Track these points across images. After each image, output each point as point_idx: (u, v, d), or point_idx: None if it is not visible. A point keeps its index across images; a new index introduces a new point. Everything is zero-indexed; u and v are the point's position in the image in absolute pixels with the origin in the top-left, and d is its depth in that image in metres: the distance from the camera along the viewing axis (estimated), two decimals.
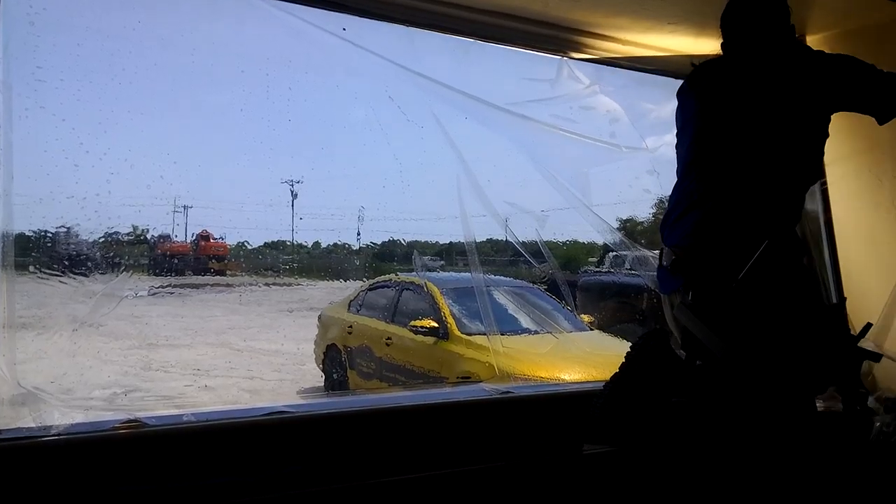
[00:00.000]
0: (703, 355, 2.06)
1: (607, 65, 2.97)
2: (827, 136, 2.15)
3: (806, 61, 2.11)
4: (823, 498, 2.12)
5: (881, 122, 2.16)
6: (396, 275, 6.24)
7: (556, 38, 2.78)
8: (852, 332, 2.06)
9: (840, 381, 2.06)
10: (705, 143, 2.14)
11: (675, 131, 2.32)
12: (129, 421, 1.86)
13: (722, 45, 2.26)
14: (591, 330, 5.90)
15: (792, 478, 2.04)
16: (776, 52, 2.14)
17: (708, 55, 2.86)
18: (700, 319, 1.99)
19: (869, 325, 2.06)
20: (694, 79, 2.28)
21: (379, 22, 2.56)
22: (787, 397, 2.02)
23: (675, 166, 2.26)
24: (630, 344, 2.29)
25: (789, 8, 2.15)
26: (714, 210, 2.06)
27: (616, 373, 2.26)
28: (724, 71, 2.21)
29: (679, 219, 2.14)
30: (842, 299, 2.07)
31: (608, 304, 6.92)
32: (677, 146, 2.25)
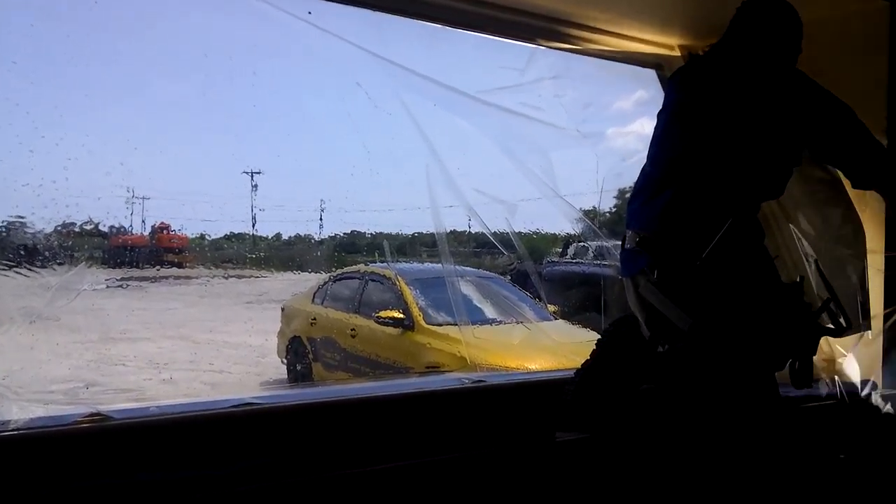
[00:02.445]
0: (668, 333, 2.07)
1: (576, 53, 2.96)
2: (797, 163, 2.18)
3: (799, 92, 2.11)
4: (788, 476, 2.16)
5: (854, 186, 2.20)
6: (366, 265, 6.21)
7: (525, 25, 2.75)
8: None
9: (798, 357, 2.09)
10: (679, 133, 2.14)
11: (640, 120, 2.34)
12: (92, 414, 1.80)
13: (723, 41, 2.23)
14: (556, 319, 5.94)
15: (757, 455, 2.08)
16: (775, 70, 2.13)
17: (672, 44, 2.91)
18: (666, 295, 2.02)
19: (829, 301, 2.09)
20: (682, 70, 2.30)
21: (345, 6, 2.51)
22: (750, 373, 2.05)
23: (643, 154, 2.28)
24: (598, 332, 2.31)
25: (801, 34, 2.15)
26: (680, 196, 2.07)
27: (587, 360, 2.27)
28: (714, 68, 2.20)
29: (646, 203, 2.14)
30: (801, 278, 2.12)
31: (571, 293, 6.97)
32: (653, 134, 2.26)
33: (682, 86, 2.23)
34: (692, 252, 1.99)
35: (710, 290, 1.99)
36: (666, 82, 2.37)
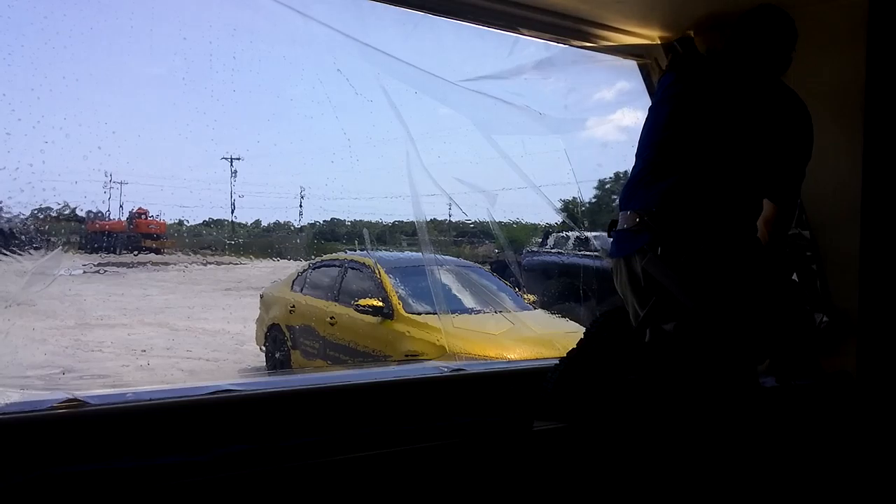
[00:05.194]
0: (658, 315, 2.08)
1: (558, 43, 2.96)
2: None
3: (785, 108, 2.19)
4: (764, 467, 2.19)
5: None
6: (346, 253, 6.19)
7: (506, 13, 2.75)
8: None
9: (783, 350, 2.13)
10: (685, 122, 2.18)
11: (621, 110, 2.38)
12: (69, 400, 1.78)
13: (728, 43, 2.33)
14: (535, 309, 5.97)
15: (737, 445, 2.10)
16: (769, 81, 2.21)
17: (653, 36, 2.92)
18: (672, 271, 2.02)
19: (825, 302, 2.13)
20: (682, 64, 2.32)
21: None
22: (737, 361, 2.07)
23: (623, 144, 2.30)
24: (577, 322, 2.32)
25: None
26: (686, 180, 2.09)
27: (573, 349, 2.27)
28: (717, 70, 2.28)
29: (647, 186, 2.15)
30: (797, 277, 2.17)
31: (550, 283, 7.01)
32: (648, 119, 2.28)
33: (686, 78, 2.28)
34: (697, 230, 2.02)
35: (714, 270, 2.01)
36: (659, 72, 2.40)
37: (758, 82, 2.21)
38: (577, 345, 2.27)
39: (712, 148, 2.11)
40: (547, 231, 8.02)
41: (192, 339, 5.74)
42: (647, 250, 2.05)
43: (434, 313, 5.10)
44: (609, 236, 2.27)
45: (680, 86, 2.26)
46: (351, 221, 6.26)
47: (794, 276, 2.48)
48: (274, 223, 6.58)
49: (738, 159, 2.13)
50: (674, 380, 2.10)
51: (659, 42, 2.92)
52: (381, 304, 5.49)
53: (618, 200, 2.33)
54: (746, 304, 2.02)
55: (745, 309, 2.02)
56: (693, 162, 2.11)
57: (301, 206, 6.03)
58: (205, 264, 5.93)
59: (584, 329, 2.32)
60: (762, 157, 2.17)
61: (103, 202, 5.26)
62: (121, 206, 5.68)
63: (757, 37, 2.26)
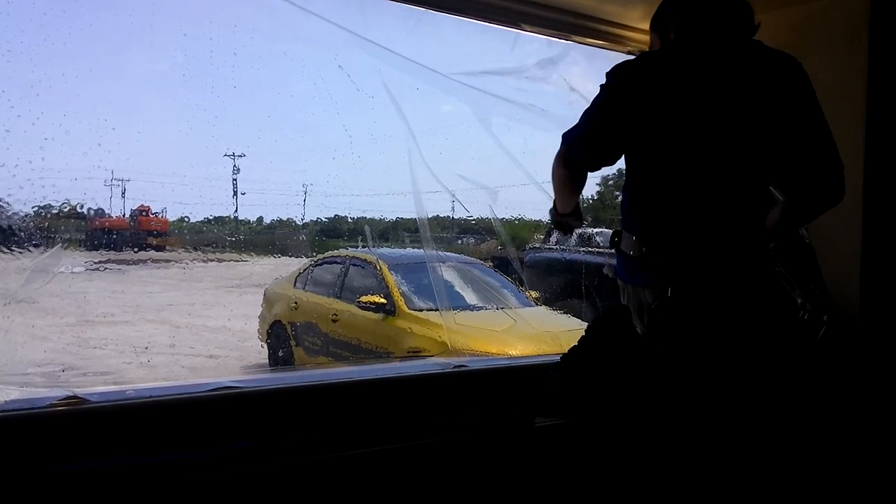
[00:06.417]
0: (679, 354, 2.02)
1: (560, 39, 2.96)
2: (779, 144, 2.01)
3: (768, 68, 1.98)
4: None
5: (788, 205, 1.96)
6: (348, 249, 6.20)
7: (508, 9, 2.75)
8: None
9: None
10: (669, 136, 1.98)
11: None
12: (69, 397, 1.78)
13: (669, 36, 2.09)
14: (537, 306, 5.97)
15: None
16: (732, 50, 1.99)
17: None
18: (682, 314, 1.97)
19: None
20: (629, 72, 2.05)
21: None
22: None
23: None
24: (579, 319, 2.30)
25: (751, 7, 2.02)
26: (688, 195, 1.97)
27: (575, 346, 2.25)
28: (672, 64, 2.01)
29: (643, 206, 2.06)
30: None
31: (553, 280, 7.00)
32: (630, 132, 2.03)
33: (639, 90, 1.99)
34: (706, 265, 1.94)
35: (726, 315, 1.96)
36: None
37: (725, 54, 1.98)
38: (580, 341, 2.24)
39: (706, 145, 1.96)
40: (550, 228, 8.01)
41: (194, 336, 5.74)
42: (656, 287, 1.97)
43: (436, 310, 5.10)
44: (611, 246, 2.19)
45: (638, 100, 1.99)
46: (353, 218, 6.27)
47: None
48: (276, 220, 6.59)
49: (735, 148, 1.96)
50: (676, 377, 2.08)
51: None
52: (383, 300, 5.49)
53: (619, 199, 2.26)
54: (759, 340, 1.98)
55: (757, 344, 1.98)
56: (693, 168, 1.99)
57: (304, 202, 6.03)
58: (207, 261, 5.94)
59: (586, 326, 2.30)
60: (761, 136, 1.98)
61: (104, 200, 5.26)
62: (123, 200, 5.68)
63: (703, 18, 2.00)
